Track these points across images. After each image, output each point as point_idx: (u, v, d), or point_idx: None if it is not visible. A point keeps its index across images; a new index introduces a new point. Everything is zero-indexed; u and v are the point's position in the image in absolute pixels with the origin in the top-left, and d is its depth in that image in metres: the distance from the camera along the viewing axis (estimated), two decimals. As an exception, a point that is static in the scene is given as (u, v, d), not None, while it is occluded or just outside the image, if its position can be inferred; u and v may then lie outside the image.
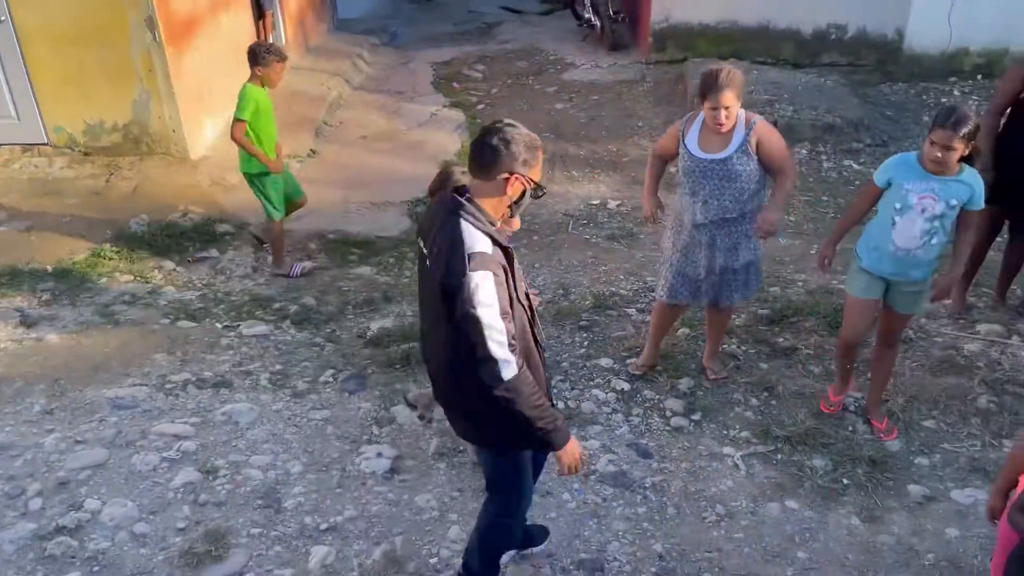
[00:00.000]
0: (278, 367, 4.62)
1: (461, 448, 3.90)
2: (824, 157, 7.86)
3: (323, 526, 3.52)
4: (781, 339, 4.83)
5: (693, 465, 3.89)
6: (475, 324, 2.48)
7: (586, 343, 4.84)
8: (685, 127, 4.02)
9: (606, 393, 4.38)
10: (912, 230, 3.64)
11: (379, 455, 3.90)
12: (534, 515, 3.49)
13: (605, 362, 4.64)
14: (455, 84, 9.67)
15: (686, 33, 9.63)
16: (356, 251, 6.22)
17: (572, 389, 4.43)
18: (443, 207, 2.63)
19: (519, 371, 2.54)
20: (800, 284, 5.58)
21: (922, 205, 3.59)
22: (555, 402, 4.25)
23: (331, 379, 4.51)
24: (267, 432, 4.06)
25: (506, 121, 2.65)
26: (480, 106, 9.05)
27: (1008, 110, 4.61)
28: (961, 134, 3.43)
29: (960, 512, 3.64)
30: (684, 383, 4.43)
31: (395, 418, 4.17)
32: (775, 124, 7.98)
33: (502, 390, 2.53)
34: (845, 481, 3.79)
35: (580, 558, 3.41)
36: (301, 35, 10.07)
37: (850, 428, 4.12)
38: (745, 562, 3.40)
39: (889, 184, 3.70)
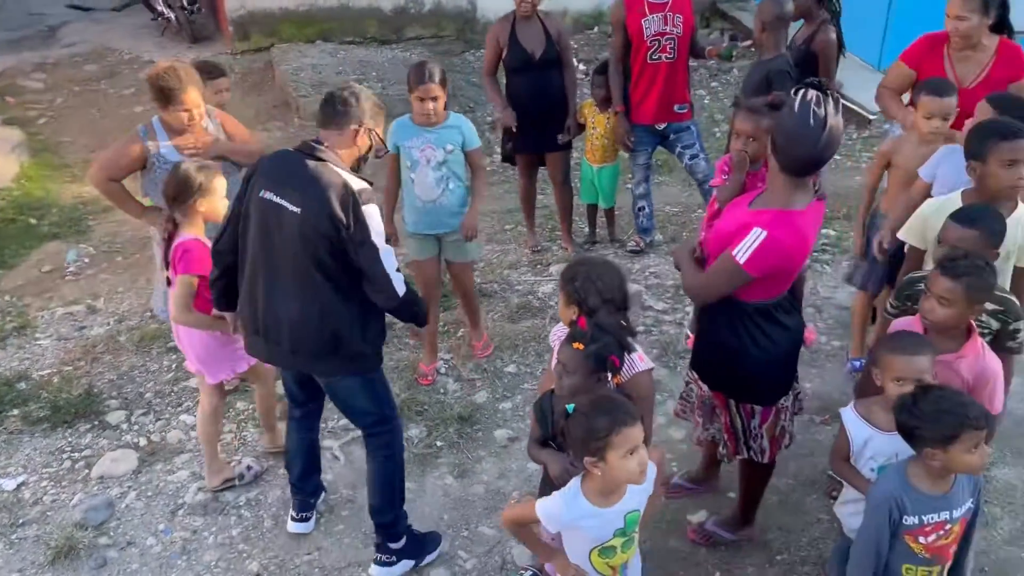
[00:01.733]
0: None
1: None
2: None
3: None
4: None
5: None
6: (373, 251, 2.76)
7: (174, 366, 4.50)
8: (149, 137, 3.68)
9: (195, 416, 4.09)
10: (427, 182, 3.98)
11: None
12: None
13: (195, 381, 4.34)
14: (8, 98, 8.49)
15: (268, 19, 9.33)
16: None
17: (157, 421, 4.10)
18: (302, 159, 2.79)
19: (406, 289, 2.87)
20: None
21: (425, 156, 3.94)
22: (163, 435, 3.98)
23: None
24: None
25: (354, 85, 2.94)
26: (41, 120, 8.05)
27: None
28: (438, 81, 3.86)
29: (539, 446, 3.94)
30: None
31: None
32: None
33: (399, 302, 2.87)
34: (439, 443, 3.93)
35: (167, 605, 3.16)
36: None
37: (442, 391, 4.28)
38: (344, 553, 3.37)
39: (398, 149, 3.96)
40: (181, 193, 3.29)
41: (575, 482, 2.38)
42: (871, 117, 7.70)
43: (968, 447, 2.25)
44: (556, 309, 4.88)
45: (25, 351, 4.72)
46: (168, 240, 3.35)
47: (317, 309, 2.84)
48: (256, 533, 3.47)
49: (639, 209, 5.53)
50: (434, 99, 3.86)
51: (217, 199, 3.34)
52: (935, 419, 2.26)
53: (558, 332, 2.83)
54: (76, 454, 3.88)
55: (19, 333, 4.88)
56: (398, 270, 2.85)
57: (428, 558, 3.31)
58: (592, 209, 5.78)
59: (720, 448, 3.17)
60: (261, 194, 2.82)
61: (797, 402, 3.16)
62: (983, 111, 3.27)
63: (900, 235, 3.26)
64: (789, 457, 3.76)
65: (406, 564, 3.24)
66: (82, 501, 3.60)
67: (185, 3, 9.61)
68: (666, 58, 5.01)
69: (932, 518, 2.41)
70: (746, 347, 2.88)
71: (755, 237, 2.60)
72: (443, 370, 4.42)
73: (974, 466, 2.32)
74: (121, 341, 4.74)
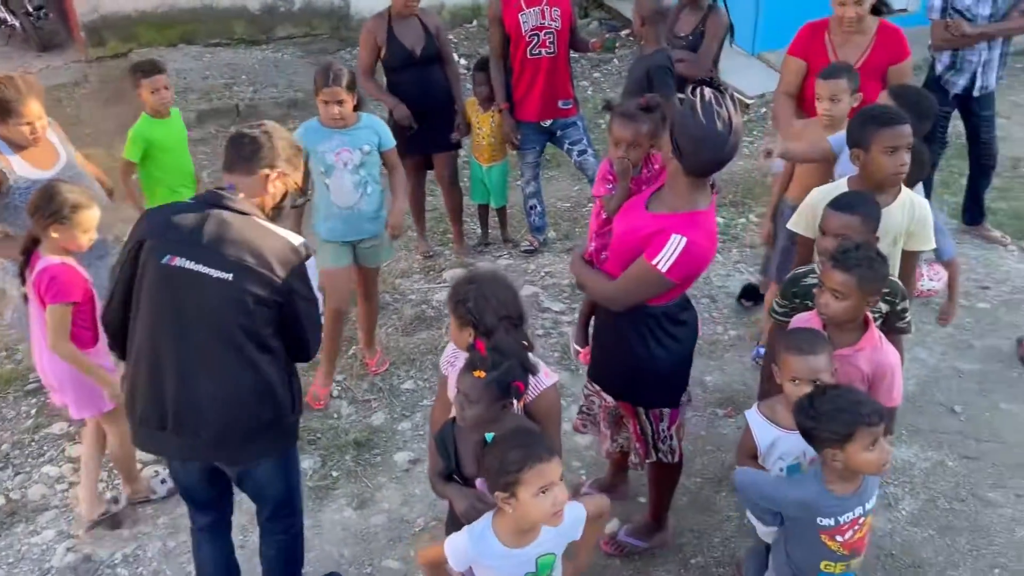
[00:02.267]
0: None
1: None
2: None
3: None
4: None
5: (171, 518, 3.46)
6: (314, 309, 2.54)
7: (34, 411, 4.08)
8: None
9: (60, 467, 3.71)
10: (345, 187, 3.78)
11: None
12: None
13: (59, 427, 3.94)
14: None
15: (123, 23, 8.70)
16: None
17: (16, 475, 3.69)
18: (214, 213, 2.42)
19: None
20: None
21: (342, 160, 3.75)
22: (23, 491, 3.63)
23: None
24: None
25: (267, 123, 2.61)
26: None
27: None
28: (345, 85, 3.66)
29: (442, 466, 3.76)
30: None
31: None
32: (237, 108, 7.76)
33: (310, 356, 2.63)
34: (335, 473, 3.69)
35: None
36: None
37: (336, 415, 4.03)
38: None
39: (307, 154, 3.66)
40: (37, 210, 2.97)
41: (485, 518, 2.22)
42: (748, 101, 7.83)
43: (865, 444, 2.24)
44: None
45: None
46: (26, 256, 3.04)
47: (250, 385, 2.46)
48: (136, 594, 3.16)
49: (531, 208, 5.40)
50: (340, 103, 3.67)
51: (78, 233, 2.99)
52: (831, 418, 2.24)
53: (450, 358, 2.65)
54: (-80, 524, 3.45)
55: None
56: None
57: None
58: (483, 209, 5.62)
59: (631, 457, 3.08)
60: (166, 261, 2.39)
61: (685, 393, 3.11)
62: (884, 102, 3.30)
63: (790, 226, 3.24)
64: (696, 454, 3.74)
65: None
66: (-69, 578, 3.20)
67: (30, 8, 8.88)
68: (546, 53, 4.89)
69: (847, 517, 2.39)
70: (653, 352, 2.81)
71: (675, 244, 2.55)
72: (335, 392, 4.16)
73: (874, 464, 2.30)
74: (-31, 389, 4.27)
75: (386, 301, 4.91)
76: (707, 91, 2.48)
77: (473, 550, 2.18)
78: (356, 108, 3.79)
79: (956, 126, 5.20)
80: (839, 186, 3.05)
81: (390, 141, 3.91)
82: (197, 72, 8.16)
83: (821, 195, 3.06)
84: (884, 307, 2.82)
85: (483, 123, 5.20)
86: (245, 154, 2.52)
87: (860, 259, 2.53)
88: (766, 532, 2.66)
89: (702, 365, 4.30)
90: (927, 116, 3.34)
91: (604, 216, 2.91)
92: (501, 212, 5.59)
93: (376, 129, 3.86)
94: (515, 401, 2.34)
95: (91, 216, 3.03)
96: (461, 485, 2.41)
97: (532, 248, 5.43)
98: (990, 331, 4.49)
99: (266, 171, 2.53)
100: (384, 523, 3.45)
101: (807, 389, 2.43)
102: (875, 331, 2.68)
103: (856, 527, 2.42)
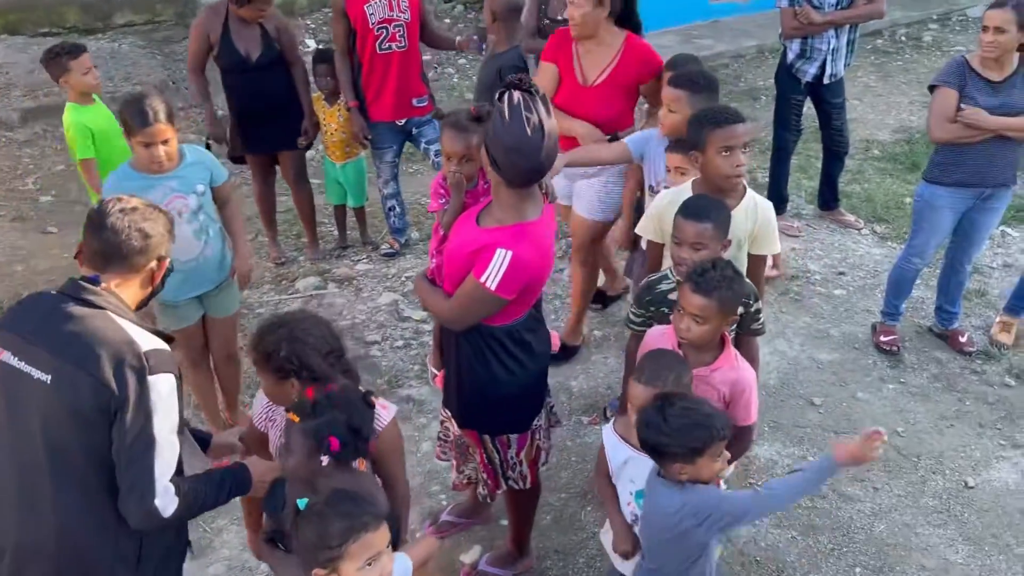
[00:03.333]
0: None
1: None
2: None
3: None
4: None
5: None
6: (146, 443, 1.94)
7: None
8: None
9: None
10: (185, 238, 3.14)
11: None
12: None
13: None
14: None
15: (-66, 10, 7.87)
16: None
17: None
18: (64, 305, 1.99)
19: (178, 504, 1.99)
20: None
21: (176, 209, 3.08)
22: None
23: None
24: None
25: (133, 203, 2.15)
26: None
27: None
28: (167, 118, 3.05)
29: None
30: None
31: None
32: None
33: (155, 526, 1.99)
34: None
35: None
36: None
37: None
38: None
39: None
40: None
41: None
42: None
43: (714, 457, 2.19)
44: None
45: None
46: None
47: (52, 535, 1.99)
48: None
49: (389, 209, 5.14)
50: (165, 142, 3.06)
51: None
52: (685, 433, 2.15)
53: (264, 413, 2.38)
54: None
55: None
56: (171, 480, 2.01)
57: None
58: (340, 210, 5.31)
59: (479, 488, 2.89)
60: None
61: (552, 416, 2.96)
62: (674, 97, 3.19)
63: (638, 230, 3.12)
64: (560, 467, 3.60)
65: None
66: None
67: None
68: (397, 47, 4.61)
69: None
70: (495, 376, 2.63)
71: (501, 259, 2.37)
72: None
73: (717, 472, 2.26)
74: None
75: (233, 317, 4.55)
76: (516, 95, 2.29)
77: None
78: None
79: (810, 112, 5.24)
80: (683, 190, 2.93)
81: (222, 174, 3.37)
82: (22, 66, 7.44)
83: (667, 199, 2.94)
84: (740, 310, 2.72)
85: (330, 119, 4.89)
86: (128, 252, 2.10)
87: (719, 280, 2.40)
88: (625, 565, 2.54)
89: (567, 370, 4.17)
90: (715, 90, 3.29)
91: (440, 233, 2.69)
92: (359, 212, 5.30)
93: (205, 163, 3.30)
94: (325, 460, 2.05)
95: None
96: (283, 551, 2.16)
97: (393, 251, 5.17)
98: (846, 318, 4.55)
99: (153, 264, 2.16)
100: (223, 572, 3.15)
101: None
102: (731, 349, 2.58)
103: None
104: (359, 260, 5.17)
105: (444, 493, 3.50)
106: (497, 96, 2.31)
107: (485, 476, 2.83)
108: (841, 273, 4.94)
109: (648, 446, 2.23)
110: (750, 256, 2.94)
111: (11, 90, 7.03)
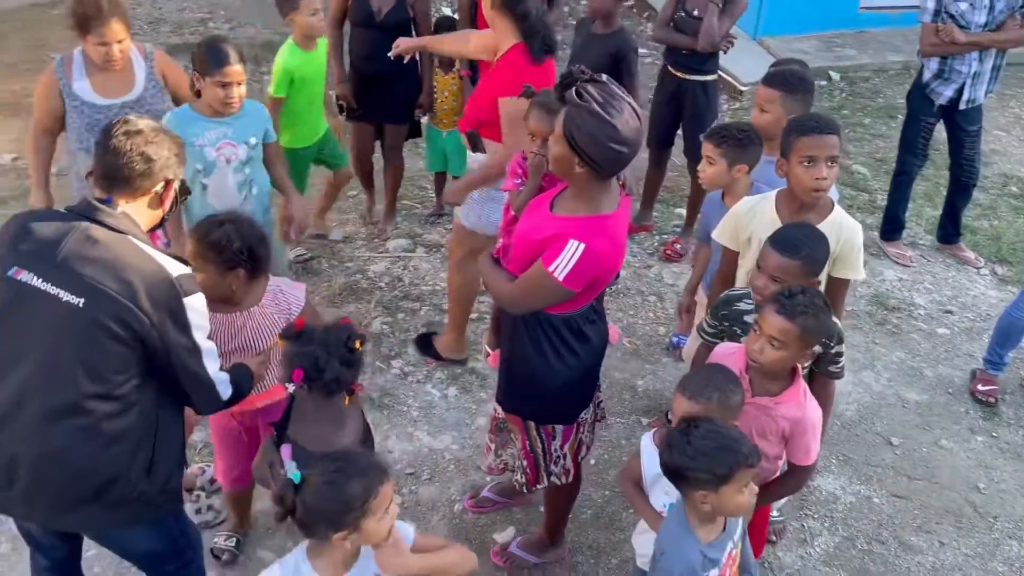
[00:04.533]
0: None
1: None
2: (267, 77, 7.42)
3: None
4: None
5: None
6: (194, 356, 2.15)
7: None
8: (64, 73, 3.25)
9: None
10: (227, 187, 3.26)
11: None
12: None
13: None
14: None
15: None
16: None
17: None
18: (83, 227, 2.06)
19: (232, 390, 2.28)
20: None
21: (224, 156, 3.24)
22: None
23: None
24: None
25: (135, 118, 2.23)
26: None
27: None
28: (239, 61, 3.15)
29: (342, 452, 3.56)
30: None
31: None
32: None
33: (220, 407, 2.32)
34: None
35: None
36: None
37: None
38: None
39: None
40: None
41: (299, 550, 2.00)
42: (743, 88, 7.50)
43: (739, 487, 2.06)
44: (384, 292, 4.50)
45: None
46: None
47: (76, 442, 2.06)
48: (-11, 562, 2.97)
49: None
50: (239, 83, 3.16)
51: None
52: (711, 457, 2.03)
53: None
54: None
55: None
56: (221, 368, 2.26)
57: None
58: (440, 177, 5.33)
59: (517, 476, 2.86)
60: (11, 273, 2.04)
61: (599, 411, 2.91)
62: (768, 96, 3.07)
63: (713, 236, 2.98)
64: (610, 464, 3.54)
65: None
66: None
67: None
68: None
69: (724, 555, 2.19)
70: (548, 363, 2.58)
71: (572, 251, 2.32)
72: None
73: (743, 506, 2.12)
74: None
75: (320, 267, 4.68)
76: (592, 89, 2.22)
77: None
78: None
79: (941, 136, 4.91)
80: (767, 198, 2.79)
81: (273, 135, 3.44)
82: (174, 3, 7.82)
83: (746, 206, 2.81)
84: (817, 348, 2.57)
85: (444, 86, 4.90)
86: (130, 174, 2.15)
87: (806, 307, 2.26)
88: (643, 559, 2.48)
89: (636, 367, 4.09)
90: (810, 92, 3.19)
91: (511, 214, 2.65)
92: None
93: (262, 119, 3.37)
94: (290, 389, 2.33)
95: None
96: (273, 443, 2.36)
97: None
98: (944, 360, 4.26)
99: (158, 189, 2.21)
100: (261, 509, 3.25)
101: None
102: (801, 384, 2.42)
103: (731, 562, 2.25)
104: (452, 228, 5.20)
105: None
106: (574, 94, 2.23)
107: (524, 464, 2.80)
108: (948, 312, 4.62)
109: (670, 470, 2.11)
110: (830, 279, 2.78)
111: (160, 25, 7.41)
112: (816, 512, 3.40)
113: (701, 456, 2.03)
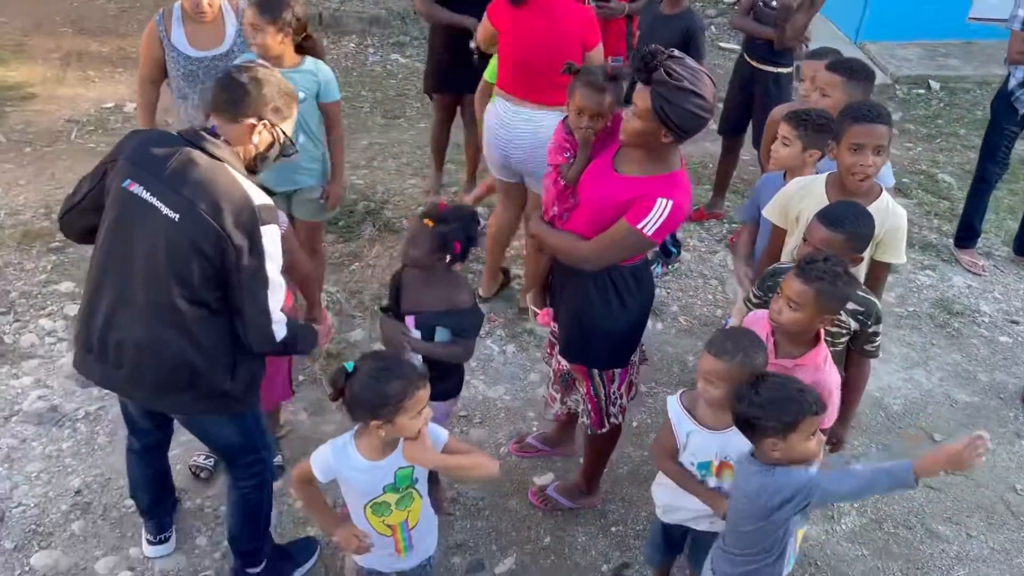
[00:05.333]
0: None
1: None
2: (371, 50, 7.81)
3: None
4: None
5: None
6: (261, 284, 2.31)
7: (50, 267, 4.35)
8: (164, 25, 3.57)
9: (55, 321, 3.97)
10: None
11: None
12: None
13: (66, 286, 4.20)
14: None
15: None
16: None
17: (14, 322, 3.96)
18: (187, 150, 2.31)
19: (286, 332, 2.42)
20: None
21: None
22: (16, 337, 3.89)
23: None
24: None
25: (259, 62, 2.51)
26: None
27: None
28: (263, 14, 3.21)
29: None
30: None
31: None
32: (320, 16, 7.86)
33: (273, 348, 2.42)
34: (300, 378, 3.81)
35: (-27, 513, 3.08)
36: None
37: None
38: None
39: None
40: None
41: (349, 434, 2.28)
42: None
43: (807, 434, 2.19)
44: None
45: (-95, 234, 4.56)
46: None
47: (172, 336, 2.33)
48: (87, 449, 3.37)
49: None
50: (257, 31, 3.25)
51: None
52: (777, 407, 2.17)
53: None
54: (-79, 348, 3.76)
55: (-96, 215, 4.71)
56: (281, 310, 2.41)
57: (298, 572, 2.98)
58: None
59: (582, 419, 3.06)
60: (125, 184, 2.31)
61: (642, 352, 3.09)
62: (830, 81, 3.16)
63: (764, 213, 3.11)
64: (651, 428, 3.71)
65: None
66: (-87, 398, 3.50)
67: None
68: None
69: None
70: (612, 312, 2.80)
71: (662, 208, 2.53)
72: (324, 302, 4.27)
73: (811, 453, 2.25)
74: (3, 235, 4.58)
75: (401, 226, 4.96)
76: (676, 67, 2.41)
77: (336, 463, 2.26)
78: (306, 52, 3.45)
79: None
80: (817, 179, 2.91)
81: (332, 94, 3.51)
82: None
83: (797, 185, 2.93)
84: (854, 325, 2.69)
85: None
86: (231, 99, 2.39)
87: (824, 272, 2.38)
88: (665, 508, 2.66)
89: (688, 344, 4.24)
90: (871, 81, 3.28)
91: (563, 184, 2.82)
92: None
93: (319, 77, 3.44)
94: (450, 261, 2.69)
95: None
96: (392, 319, 2.80)
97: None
98: (1001, 366, 4.25)
99: (252, 120, 2.39)
100: (332, 432, 3.56)
101: (714, 391, 2.37)
102: (822, 351, 2.54)
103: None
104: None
105: (538, 421, 3.72)
106: (664, 73, 2.39)
107: (589, 408, 2.99)
108: (1014, 322, 4.59)
109: (741, 421, 2.25)
110: (873, 262, 2.88)
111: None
112: (847, 493, 3.50)
113: (769, 405, 2.16)
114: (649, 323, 4.24)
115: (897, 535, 3.33)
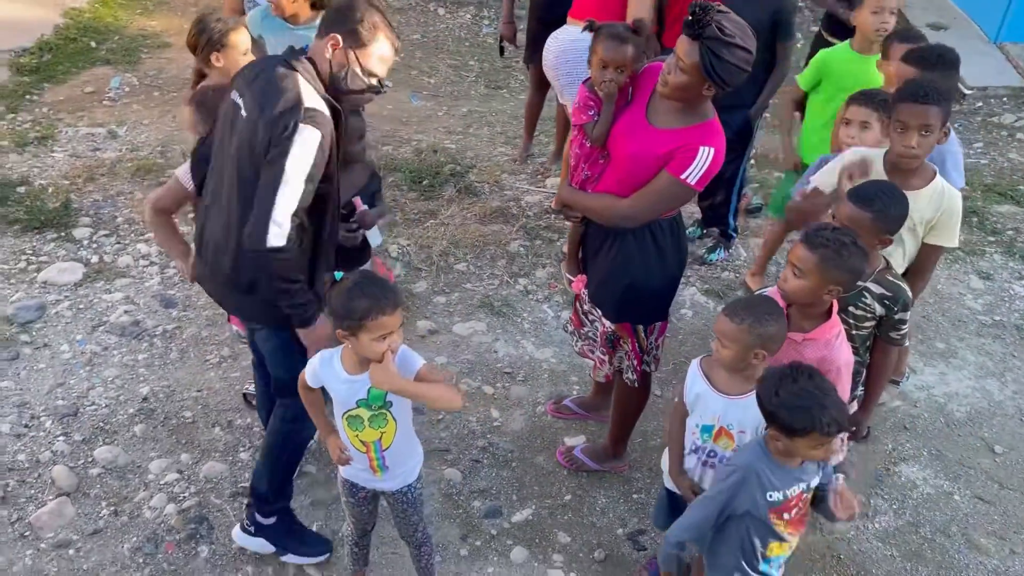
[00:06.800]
0: None
1: None
2: (486, 22, 7.95)
3: None
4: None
5: (216, 312, 3.94)
6: (277, 174, 2.29)
7: (155, 199, 4.74)
8: None
9: (151, 247, 4.33)
10: None
11: None
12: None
13: (167, 218, 4.57)
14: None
15: None
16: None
17: (116, 244, 4.35)
18: (277, 63, 2.43)
19: (286, 244, 2.34)
20: (413, 143, 5.68)
21: None
22: (115, 257, 4.22)
23: None
24: None
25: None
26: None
27: None
28: None
29: (454, 342, 3.98)
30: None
31: None
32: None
33: (257, 252, 2.34)
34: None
35: (55, 405, 3.42)
36: None
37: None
38: (226, 398, 3.55)
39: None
40: (194, 47, 3.12)
41: (339, 348, 2.41)
42: (966, 92, 7.07)
43: (813, 445, 2.15)
44: (530, 220, 4.85)
45: (38, 159, 5.05)
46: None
47: (237, 236, 2.43)
48: (160, 362, 3.69)
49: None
50: None
51: (237, 55, 3.07)
52: (789, 411, 2.13)
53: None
54: (33, 257, 4.19)
55: (40, 143, 5.21)
56: (294, 218, 2.37)
57: (299, 559, 2.97)
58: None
59: (627, 375, 3.09)
60: (233, 96, 2.48)
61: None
62: (905, 73, 3.01)
63: (814, 180, 3.02)
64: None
65: (263, 544, 2.95)
66: (19, 300, 3.90)
67: None
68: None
69: (794, 490, 2.29)
70: (651, 267, 2.85)
71: (705, 157, 2.59)
72: (395, 253, 4.47)
73: (816, 457, 2.23)
74: (121, 168, 5.00)
75: (482, 189, 5.10)
76: (727, 23, 2.42)
77: (321, 371, 2.41)
78: (324, 7, 3.46)
79: None
80: (877, 155, 2.81)
81: None
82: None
83: (857, 156, 2.84)
84: (880, 310, 2.61)
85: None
86: (327, 16, 2.52)
87: (829, 240, 2.34)
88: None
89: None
90: (951, 67, 3.10)
91: (588, 144, 2.84)
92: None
93: None
94: None
95: (243, 38, 3.12)
96: None
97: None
98: (1087, 386, 3.97)
99: (338, 38, 2.43)
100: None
101: (724, 351, 2.38)
102: (836, 327, 2.49)
103: (800, 503, 2.33)
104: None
105: (579, 385, 3.78)
106: (716, 29, 2.41)
107: (635, 363, 3.04)
108: (1110, 339, 4.27)
109: (760, 407, 2.23)
110: (924, 245, 2.78)
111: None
112: (888, 494, 3.38)
113: (782, 407, 2.12)
114: (711, 302, 4.27)
115: (933, 541, 3.21)
